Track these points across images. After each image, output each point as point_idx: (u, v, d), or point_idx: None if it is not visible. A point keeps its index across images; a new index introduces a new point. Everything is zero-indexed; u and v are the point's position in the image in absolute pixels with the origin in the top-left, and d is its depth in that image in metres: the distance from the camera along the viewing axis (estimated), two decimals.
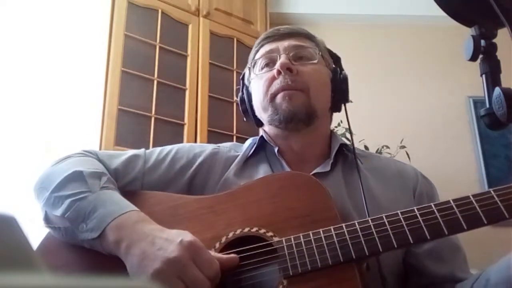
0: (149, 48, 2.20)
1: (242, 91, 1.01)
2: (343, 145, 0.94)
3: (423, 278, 0.82)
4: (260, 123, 0.99)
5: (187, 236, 0.68)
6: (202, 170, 0.91)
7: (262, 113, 0.94)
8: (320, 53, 0.94)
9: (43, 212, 0.81)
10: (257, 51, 0.98)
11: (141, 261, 0.67)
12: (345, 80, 0.95)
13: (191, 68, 2.29)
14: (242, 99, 1.00)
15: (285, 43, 0.93)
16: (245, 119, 1.03)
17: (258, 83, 0.93)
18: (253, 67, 0.97)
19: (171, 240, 0.67)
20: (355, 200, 0.83)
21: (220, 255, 0.71)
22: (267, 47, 0.95)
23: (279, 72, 0.88)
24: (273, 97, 0.90)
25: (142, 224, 0.72)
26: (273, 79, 0.90)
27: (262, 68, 0.94)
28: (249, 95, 0.99)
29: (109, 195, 0.77)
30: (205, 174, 0.90)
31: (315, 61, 0.92)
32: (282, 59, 0.89)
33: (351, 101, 1.01)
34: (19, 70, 2.15)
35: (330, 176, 0.87)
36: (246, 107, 0.99)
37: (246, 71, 1.01)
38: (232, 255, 0.71)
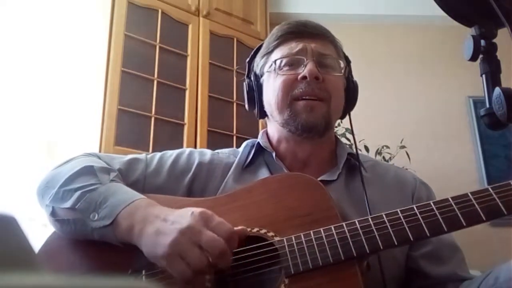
0: (149, 48, 2.19)
1: (250, 77, 0.97)
2: (349, 154, 0.93)
3: (426, 280, 0.82)
4: (263, 115, 0.97)
5: (196, 209, 0.70)
6: (201, 175, 0.91)
7: (275, 112, 0.91)
8: (342, 64, 0.93)
9: (49, 209, 0.80)
10: (279, 43, 0.93)
11: (156, 238, 0.67)
12: (356, 89, 0.96)
13: (191, 68, 2.29)
14: (250, 87, 0.96)
15: (312, 45, 0.89)
16: (247, 108, 0.99)
17: (276, 81, 0.90)
18: (274, 62, 0.91)
19: (183, 214, 0.69)
20: (357, 208, 0.83)
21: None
22: (292, 44, 0.90)
23: (304, 78, 0.86)
24: (293, 100, 0.88)
25: (153, 208, 0.73)
26: (295, 81, 0.88)
27: (283, 66, 0.90)
28: (259, 86, 0.96)
29: (119, 186, 0.79)
30: (204, 179, 0.91)
31: (339, 74, 0.91)
32: (311, 66, 0.86)
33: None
34: (20, 71, 2.15)
35: (333, 184, 0.87)
36: (253, 96, 0.96)
37: (259, 58, 0.97)
38: (241, 226, 0.71)
